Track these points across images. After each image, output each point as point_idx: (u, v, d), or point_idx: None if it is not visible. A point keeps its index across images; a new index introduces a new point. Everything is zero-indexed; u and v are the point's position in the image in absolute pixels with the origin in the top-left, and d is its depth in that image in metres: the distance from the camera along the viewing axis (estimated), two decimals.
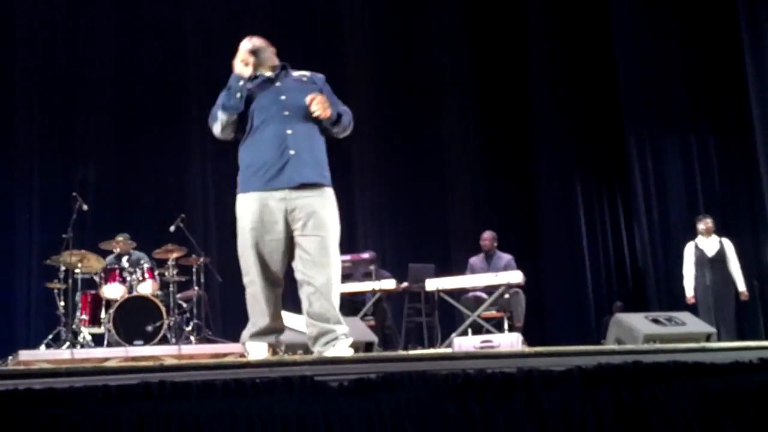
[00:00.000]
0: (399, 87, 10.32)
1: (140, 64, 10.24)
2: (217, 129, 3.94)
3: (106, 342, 7.49)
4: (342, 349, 3.73)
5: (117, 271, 7.80)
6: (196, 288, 8.23)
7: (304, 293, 3.78)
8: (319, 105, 3.74)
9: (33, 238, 9.53)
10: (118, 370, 1.79)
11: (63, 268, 7.76)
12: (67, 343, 7.29)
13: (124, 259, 8.11)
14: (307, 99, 3.75)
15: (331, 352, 3.72)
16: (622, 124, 10.47)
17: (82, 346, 7.35)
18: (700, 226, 8.62)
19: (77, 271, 7.77)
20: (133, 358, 6.87)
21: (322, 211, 3.77)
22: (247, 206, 3.80)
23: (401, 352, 3.90)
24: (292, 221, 3.75)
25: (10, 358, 7.10)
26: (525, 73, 11.08)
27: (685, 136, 10.08)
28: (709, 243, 8.56)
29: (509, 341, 6.67)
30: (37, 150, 9.78)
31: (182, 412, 1.58)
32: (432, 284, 8.04)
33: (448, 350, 6.79)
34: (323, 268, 3.73)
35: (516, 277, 7.84)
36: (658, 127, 10.16)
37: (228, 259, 9.68)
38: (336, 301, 3.78)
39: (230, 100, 3.83)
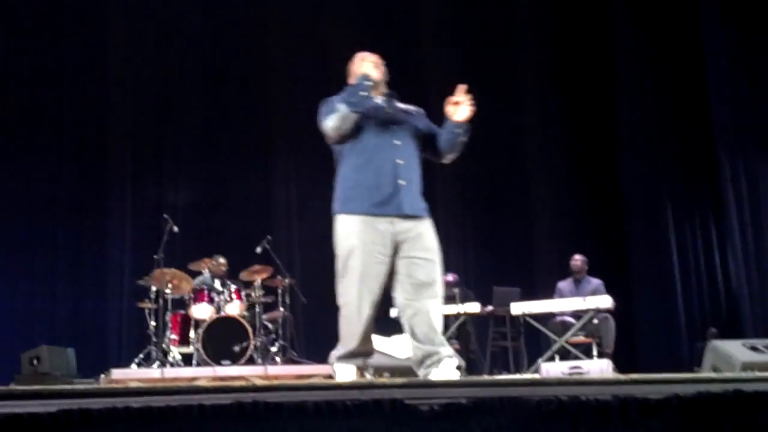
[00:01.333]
0: (482, 106, 10.20)
1: (226, 90, 10.47)
2: (331, 122, 3.90)
3: (194, 361, 7.62)
4: (447, 370, 3.72)
5: (205, 292, 7.95)
6: (281, 309, 8.32)
7: (406, 316, 3.80)
8: (468, 106, 3.87)
9: (125, 259, 9.79)
10: (212, 390, 1.81)
11: (154, 288, 7.95)
12: (157, 362, 7.45)
13: (217, 281, 8.26)
14: (461, 89, 3.87)
15: (435, 374, 3.71)
16: (713, 143, 10.17)
17: (172, 365, 7.50)
18: None
19: (167, 291, 7.95)
20: (221, 378, 6.99)
21: (427, 235, 3.84)
22: (353, 227, 3.81)
23: (490, 377, 3.86)
24: (398, 244, 3.78)
25: (103, 376, 7.30)
26: (612, 92, 10.88)
27: None
28: None
29: (599, 367, 6.52)
30: (130, 174, 10.08)
31: None
32: (518, 308, 7.93)
33: (537, 376, 6.67)
34: (428, 290, 3.77)
35: (605, 301, 7.67)
36: (752, 146, 9.82)
37: (312, 281, 9.79)
38: (439, 324, 3.81)
39: (354, 96, 3.84)
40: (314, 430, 1.67)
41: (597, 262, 8.90)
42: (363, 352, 3.85)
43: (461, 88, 3.88)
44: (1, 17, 9.98)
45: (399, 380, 3.31)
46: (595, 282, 8.44)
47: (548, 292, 8.63)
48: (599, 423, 1.89)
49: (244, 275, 8.32)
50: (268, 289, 8.39)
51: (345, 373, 3.84)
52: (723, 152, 10.05)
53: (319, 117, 3.98)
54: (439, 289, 3.82)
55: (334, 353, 3.89)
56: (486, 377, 5.26)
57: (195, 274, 8.39)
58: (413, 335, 3.78)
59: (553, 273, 9.35)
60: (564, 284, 8.60)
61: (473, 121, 4.05)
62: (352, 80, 4.05)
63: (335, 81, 11.32)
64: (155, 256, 7.88)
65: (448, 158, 4.10)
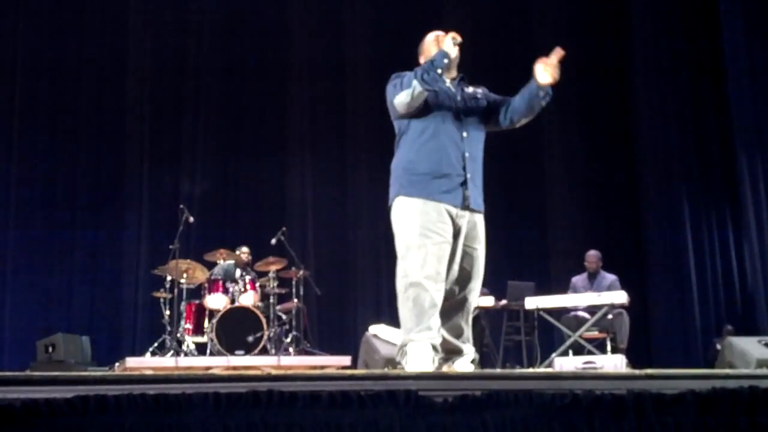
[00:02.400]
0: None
1: (243, 81, 10.49)
2: (403, 97, 3.76)
3: (208, 351, 7.65)
4: (463, 366, 3.73)
5: (220, 282, 7.98)
6: (295, 300, 8.34)
7: (443, 304, 3.75)
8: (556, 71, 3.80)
9: (141, 249, 9.83)
10: (227, 378, 1.82)
11: (169, 278, 7.99)
12: (172, 351, 7.48)
13: (238, 270, 8.30)
14: (558, 52, 3.79)
15: (449, 368, 3.71)
16: (732, 140, 10.10)
17: (186, 355, 7.53)
18: None
19: (183, 281, 7.98)
20: (234, 368, 7.01)
21: (481, 229, 3.86)
22: (418, 208, 3.71)
23: (504, 370, 3.87)
24: (457, 232, 3.76)
25: (117, 364, 7.35)
26: (629, 85, 10.82)
27: None
28: None
29: (612, 363, 6.49)
30: (147, 164, 10.11)
31: (289, 422, 1.59)
32: (532, 302, 7.90)
33: (550, 370, 6.66)
34: (472, 282, 3.80)
35: (620, 297, 7.62)
36: None
37: (326, 273, 9.82)
38: (470, 321, 3.83)
39: (430, 73, 3.71)
40: (328, 420, 1.67)
41: (612, 257, 8.85)
42: (435, 327, 3.64)
43: (558, 52, 3.80)
44: (24, 8, 10.05)
45: (413, 372, 3.30)
46: (610, 277, 8.40)
47: (562, 287, 8.60)
48: (614, 417, 1.89)
49: (258, 266, 8.35)
50: (283, 280, 8.42)
51: (421, 355, 3.57)
52: (741, 149, 9.97)
53: (390, 90, 3.87)
54: (479, 285, 3.86)
55: (404, 337, 3.67)
56: (500, 370, 5.27)
57: (210, 265, 8.43)
58: (443, 323, 3.74)
59: (567, 268, 9.31)
60: (578, 279, 8.57)
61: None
62: (423, 59, 3.97)
63: (352, 75, 11.34)
64: (171, 246, 7.91)
65: (521, 122, 4.01)
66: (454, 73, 3.93)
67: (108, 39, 10.22)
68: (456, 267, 3.76)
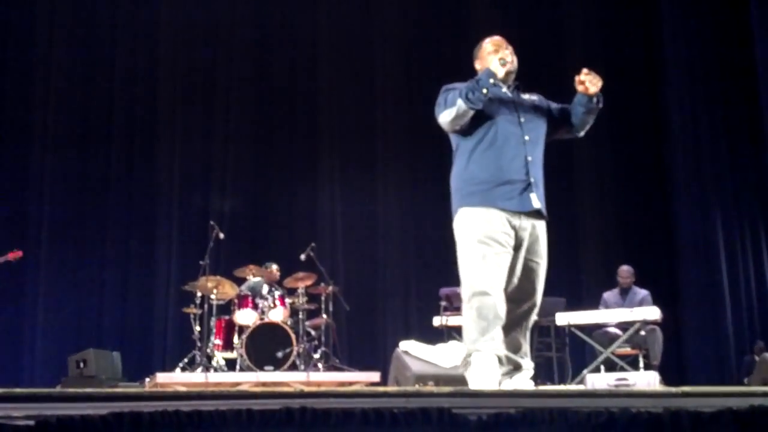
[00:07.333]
0: None
1: (273, 97, 10.56)
2: (447, 116, 3.71)
3: (238, 367, 7.67)
4: (521, 383, 3.65)
5: (250, 298, 8.01)
6: (324, 316, 8.34)
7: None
8: (594, 80, 3.75)
9: (171, 265, 9.90)
10: (260, 395, 1.82)
11: (199, 293, 8.03)
12: (201, 367, 7.51)
13: (266, 287, 8.33)
14: (584, 71, 3.76)
15: (508, 383, 3.62)
16: (765, 151, 9.96)
17: (216, 370, 7.56)
18: None
19: (212, 297, 8.02)
20: (264, 384, 7.02)
21: (544, 240, 3.77)
22: (480, 217, 3.64)
23: (538, 388, 3.77)
24: (521, 242, 3.67)
25: (148, 379, 7.39)
26: (662, 100, 10.73)
27: None
28: None
29: (645, 380, 6.41)
30: (178, 181, 10.19)
31: None
32: (563, 318, 7.83)
33: (582, 387, 6.59)
34: (529, 296, 3.72)
35: (652, 313, 7.53)
36: None
37: (355, 289, 9.81)
38: (529, 334, 3.76)
39: (475, 92, 3.63)
40: None
41: (644, 272, 8.76)
42: (499, 338, 3.56)
43: (584, 71, 3.78)
44: (58, 24, 10.23)
45: (446, 389, 3.26)
46: (642, 293, 8.30)
47: (593, 303, 8.52)
48: None
49: (288, 282, 8.37)
50: (312, 296, 8.43)
51: (486, 366, 3.49)
52: None
53: (437, 106, 3.80)
54: (539, 297, 3.77)
55: (468, 347, 3.59)
56: (534, 388, 5.24)
57: (240, 281, 8.46)
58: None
59: (598, 283, 9.23)
60: (610, 294, 8.48)
61: None
62: (477, 63, 3.95)
63: (381, 93, 11.33)
64: (201, 263, 7.97)
65: (582, 131, 4.02)
66: (510, 80, 3.87)
67: (140, 58, 10.38)
68: (516, 281, 3.67)
